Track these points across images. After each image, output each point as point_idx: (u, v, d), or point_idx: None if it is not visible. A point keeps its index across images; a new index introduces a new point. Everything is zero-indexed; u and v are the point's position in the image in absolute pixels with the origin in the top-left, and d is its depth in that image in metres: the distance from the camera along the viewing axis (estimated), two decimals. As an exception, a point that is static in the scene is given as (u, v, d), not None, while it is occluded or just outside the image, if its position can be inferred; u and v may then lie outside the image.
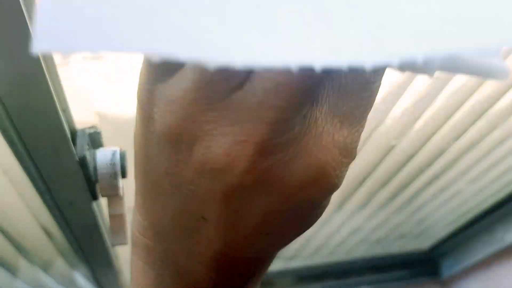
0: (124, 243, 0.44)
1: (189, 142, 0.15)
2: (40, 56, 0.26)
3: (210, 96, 0.14)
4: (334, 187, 0.17)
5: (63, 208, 0.43)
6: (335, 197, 0.84)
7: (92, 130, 0.42)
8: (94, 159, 0.38)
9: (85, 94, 0.43)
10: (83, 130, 0.38)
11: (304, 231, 0.19)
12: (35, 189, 0.41)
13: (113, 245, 0.44)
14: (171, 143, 0.15)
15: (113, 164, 0.38)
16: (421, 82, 0.57)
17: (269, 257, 0.21)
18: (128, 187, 0.58)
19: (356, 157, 0.17)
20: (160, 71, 0.15)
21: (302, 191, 0.16)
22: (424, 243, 1.17)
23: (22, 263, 0.68)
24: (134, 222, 0.21)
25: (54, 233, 0.57)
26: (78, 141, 0.37)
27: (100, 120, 0.46)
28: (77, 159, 0.35)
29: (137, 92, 0.17)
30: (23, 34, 0.23)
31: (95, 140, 0.42)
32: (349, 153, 0.16)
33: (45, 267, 0.69)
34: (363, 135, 0.64)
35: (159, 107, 0.15)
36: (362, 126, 0.17)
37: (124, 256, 0.84)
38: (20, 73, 0.26)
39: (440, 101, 0.61)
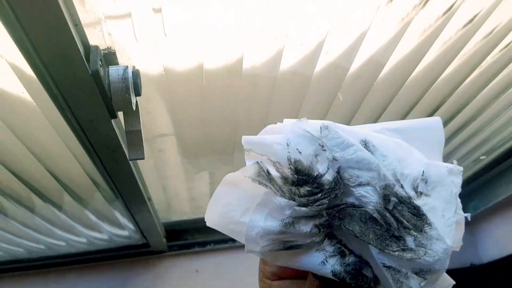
0: (142, 158, 0.47)
1: None
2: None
3: None
4: None
5: (84, 126, 0.46)
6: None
7: (106, 50, 0.44)
8: (107, 74, 0.40)
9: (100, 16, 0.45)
10: (96, 47, 0.40)
11: None
12: (57, 107, 0.43)
13: (131, 159, 0.47)
14: None
15: (125, 79, 0.40)
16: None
17: None
18: (141, 107, 0.60)
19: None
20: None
21: None
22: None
23: (66, 198, 0.73)
24: None
25: (79, 155, 0.60)
26: (92, 56, 0.39)
27: (114, 42, 0.48)
28: (90, 72, 0.37)
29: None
30: None
31: (110, 60, 0.44)
32: None
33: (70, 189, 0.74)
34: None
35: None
36: None
37: (153, 191, 0.88)
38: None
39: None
